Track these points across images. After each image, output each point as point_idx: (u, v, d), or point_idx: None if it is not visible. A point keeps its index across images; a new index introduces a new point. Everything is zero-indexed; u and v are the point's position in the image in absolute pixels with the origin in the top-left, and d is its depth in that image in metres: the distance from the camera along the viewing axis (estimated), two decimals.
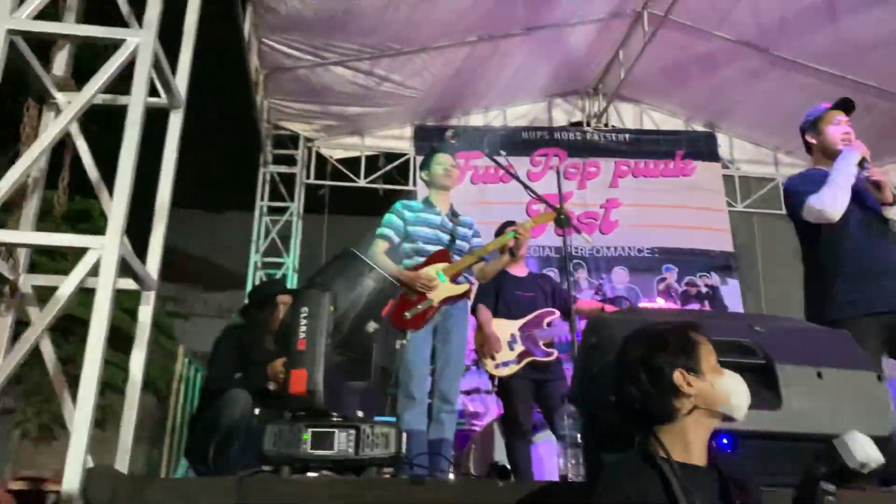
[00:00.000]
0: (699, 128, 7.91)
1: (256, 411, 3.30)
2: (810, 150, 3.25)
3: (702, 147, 7.66)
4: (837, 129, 3.12)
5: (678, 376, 1.58)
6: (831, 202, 2.87)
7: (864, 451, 1.48)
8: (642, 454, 1.56)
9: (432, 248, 3.76)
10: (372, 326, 2.30)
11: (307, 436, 1.92)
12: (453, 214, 3.92)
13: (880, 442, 2.05)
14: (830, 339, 2.20)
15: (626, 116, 7.97)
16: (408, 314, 3.55)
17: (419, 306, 3.57)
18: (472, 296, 4.34)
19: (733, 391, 1.60)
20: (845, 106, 3.18)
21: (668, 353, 1.61)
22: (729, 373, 1.63)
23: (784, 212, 7.97)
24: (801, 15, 5.95)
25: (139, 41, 2.17)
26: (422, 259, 3.73)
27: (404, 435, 1.96)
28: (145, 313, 2.27)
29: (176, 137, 2.48)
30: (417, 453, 3.39)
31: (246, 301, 4.34)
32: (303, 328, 2.11)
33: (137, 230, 2.26)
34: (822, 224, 2.93)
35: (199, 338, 3.96)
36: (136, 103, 2.16)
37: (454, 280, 3.71)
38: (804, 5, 5.85)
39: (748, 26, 6.28)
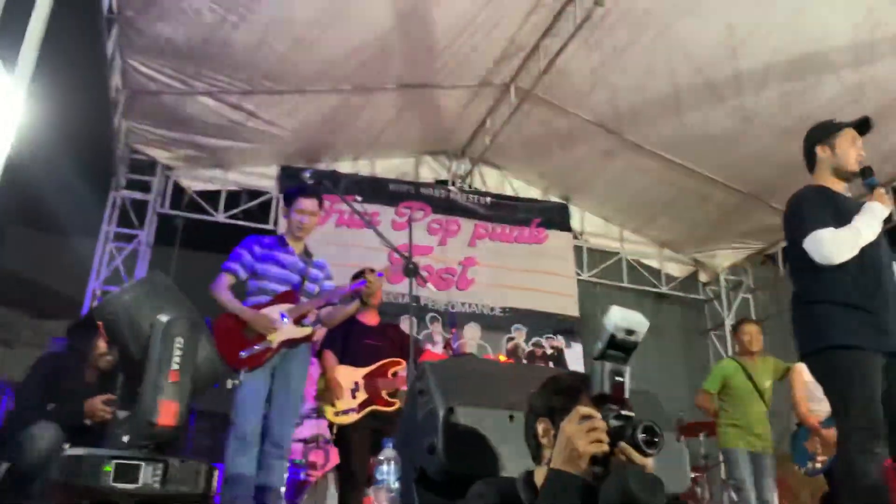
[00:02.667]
0: (555, 198, 8.36)
1: (67, 447, 3.05)
2: (813, 165, 2.99)
3: (555, 217, 8.10)
4: (855, 150, 2.89)
5: (540, 427, 1.63)
6: (846, 251, 2.67)
7: (619, 316, 1.54)
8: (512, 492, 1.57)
9: (280, 288, 3.69)
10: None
11: (109, 468, 1.81)
12: (306, 255, 3.88)
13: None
14: (637, 400, 2.35)
15: (490, 180, 8.30)
16: (244, 353, 3.45)
17: (256, 347, 3.49)
18: (320, 340, 4.30)
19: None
20: (865, 127, 2.93)
21: (540, 401, 1.65)
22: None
23: (626, 284, 8.53)
24: (652, 105, 6.49)
25: None
26: (268, 298, 3.65)
27: (216, 473, 1.88)
28: None
29: (4, 145, 2.32)
30: (242, 499, 3.26)
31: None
32: (176, 359, 2.02)
33: None
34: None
35: (24, 367, 3.63)
36: None
37: (298, 322, 3.64)
38: (654, 97, 6.38)
39: (604, 109, 6.76)
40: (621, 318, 1.52)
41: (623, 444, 1.45)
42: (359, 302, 3.87)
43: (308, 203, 3.83)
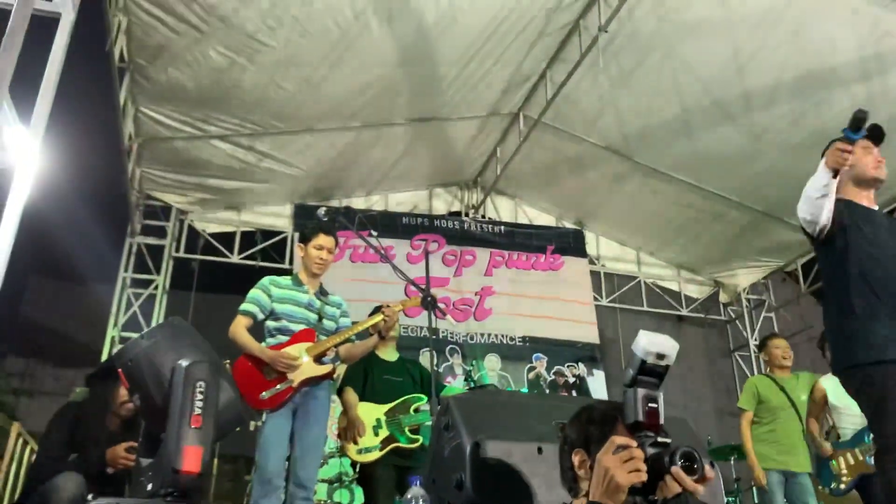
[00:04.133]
0: (569, 225, 8.34)
1: (90, 498, 3.02)
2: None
3: (571, 243, 8.07)
4: (872, 157, 2.84)
5: (576, 458, 1.60)
6: (805, 209, 2.71)
7: (647, 341, 1.51)
8: None
9: (298, 327, 3.67)
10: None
11: None
12: (322, 293, 3.87)
13: None
14: (668, 426, 2.30)
15: (503, 209, 8.30)
16: (265, 394, 3.42)
17: (278, 386, 3.46)
18: (340, 378, 4.26)
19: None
20: (876, 135, 2.84)
21: (575, 432, 1.62)
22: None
23: (646, 308, 8.44)
24: (661, 127, 6.49)
25: None
26: (286, 338, 3.64)
27: None
28: None
29: (21, 196, 2.33)
30: None
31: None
32: (199, 403, 2.00)
33: None
34: (850, 250, 2.69)
35: (46, 417, 3.62)
36: None
37: (318, 360, 3.62)
38: (663, 119, 6.39)
39: (614, 134, 6.78)
40: (650, 342, 1.49)
41: (675, 469, 1.41)
42: (377, 336, 3.84)
43: (327, 240, 3.82)
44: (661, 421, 1.49)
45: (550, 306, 7.57)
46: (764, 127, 6.10)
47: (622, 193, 7.56)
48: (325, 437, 3.74)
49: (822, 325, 2.87)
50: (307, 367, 3.55)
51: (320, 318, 3.75)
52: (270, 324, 3.68)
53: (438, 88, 6.21)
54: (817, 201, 2.69)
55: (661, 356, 1.50)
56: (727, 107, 6.00)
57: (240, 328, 3.58)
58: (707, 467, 1.43)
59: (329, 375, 3.67)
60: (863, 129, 2.59)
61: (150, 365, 2.07)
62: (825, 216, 2.71)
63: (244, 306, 3.67)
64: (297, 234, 4.04)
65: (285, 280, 3.85)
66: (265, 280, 3.80)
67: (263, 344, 3.61)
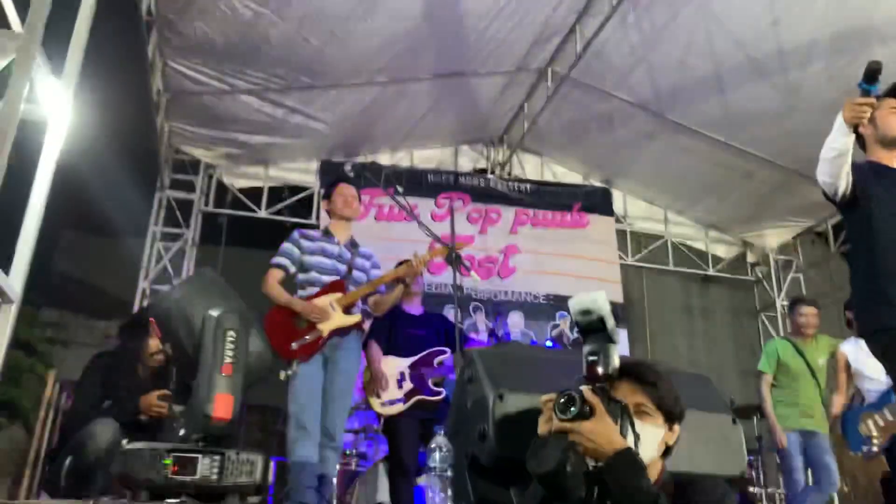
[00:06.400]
0: (596, 183, 8.26)
1: (125, 443, 3.12)
2: (863, 145, 2.87)
3: (598, 201, 8.00)
4: (894, 117, 2.76)
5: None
6: (824, 171, 2.68)
7: (571, 303, 1.59)
8: None
9: (328, 279, 3.73)
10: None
11: (169, 461, 1.85)
12: (352, 245, 3.91)
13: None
14: (691, 383, 2.31)
15: (529, 167, 8.23)
16: (295, 344, 3.50)
17: (307, 337, 3.53)
18: (366, 331, 4.32)
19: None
20: None
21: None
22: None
23: (672, 267, 8.39)
24: (693, 84, 6.35)
25: (17, 43, 2.08)
26: (316, 289, 3.69)
27: (271, 464, 1.91)
28: (3, 328, 2.13)
29: (55, 149, 2.37)
30: (307, 487, 3.29)
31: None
32: (229, 353, 2.05)
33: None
34: (874, 213, 2.64)
35: (80, 366, 3.74)
36: (9, 112, 2.05)
37: (347, 311, 3.68)
38: (696, 75, 6.25)
39: (644, 90, 6.65)
40: (573, 304, 1.59)
41: (547, 403, 1.52)
42: (402, 286, 3.87)
43: (347, 188, 3.91)
44: (605, 371, 1.55)
45: (575, 265, 7.55)
46: (798, 84, 5.94)
47: (651, 151, 7.46)
48: (353, 388, 3.81)
49: (850, 287, 2.84)
50: (337, 318, 3.63)
51: (350, 270, 3.80)
52: (301, 276, 3.75)
53: (465, 43, 6.13)
54: (835, 161, 2.64)
55: (586, 312, 1.58)
56: (761, 63, 5.85)
57: (272, 281, 3.66)
58: (595, 405, 1.46)
59: (359, 325, 3.75)
60: (878, 80, 2.52)
61: (182, 315, 2.13)
62: (844, 179, 2.66)
63: (275, 259, 3.74)
64: (322, 191, 4.10)
65: (315, 233, 3.92)
66: (295, 233, 3.86)
67: (295, 297, 3.68)
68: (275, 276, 3.69)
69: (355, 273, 3.82)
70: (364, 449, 5.28)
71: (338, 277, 3.75)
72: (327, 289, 3.70)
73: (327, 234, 3.90)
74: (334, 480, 3.83)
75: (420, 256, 3.81)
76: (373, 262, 3.95)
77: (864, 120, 2.60)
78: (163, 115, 6.25)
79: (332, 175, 6.72)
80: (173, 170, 7.15)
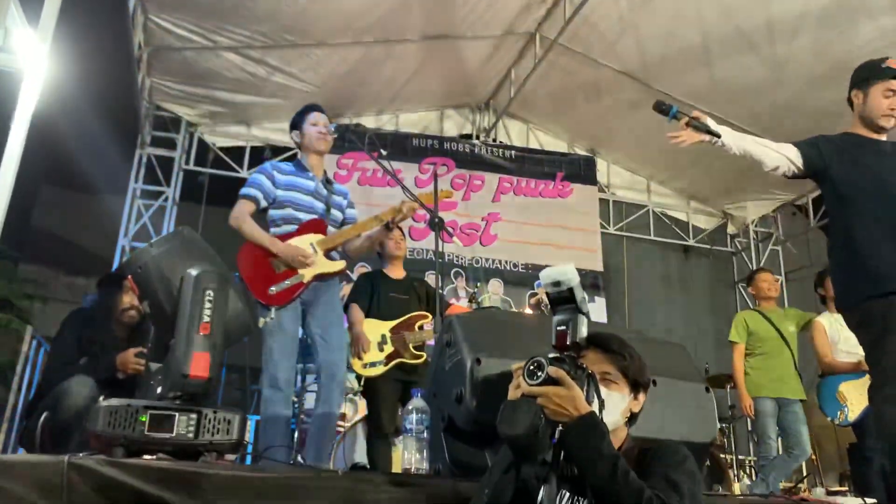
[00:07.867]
0: (581, 151, 8.25)
1: (102, 400, 3.11)
2: (852, 107, 2.87)
3: (581, 170, 8.00)
4: (886, 101, 2.74)
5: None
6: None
7: (543, 275, 1.66)
8: None
9: (305, 217, 3.44)
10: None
11: (145, 417, 1.85)
12: (327, 181, 3.63)
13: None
14: (666, 351, 2.35)
15: (514, 133, 8.20)
16: (273, 289, 3.26)
17: (286, 282, 3.29)
18: (346, 294, 4.31)
19: None
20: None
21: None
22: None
23: (653, 237, 8.45)
24: (680, 54, 6.34)
25: None
26: (292, 227, 3.41)
27: (248, 422, 1.92)
28: None
29: (31, 100, 2.33)
30: (280, 444, 3.23)
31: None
32: (207, 311, 2.04)
33: None
34: (839, 180, 2.72)
35: (58, 323, 3.69)
36: None
37: (328, 255, 3.44)
38: (683, 45, 6.23)
39: (632, 59, 6.62)
40: (544, 276, 1.65)
41: (517, 371, 1.57)
42: (384, 228, 3.56)
43: (319, 116, 3.61)
44: (574, 339, 1.61)
45: (555, 234, 7.58)
46: (786, 57, 5.94)
47: (636, 121, 7.43)
48: (344, 327, 3.63)
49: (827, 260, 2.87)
50: (320, 262, 3.39)
51: (328, 209, 3.53)
52: (274, 212, 3.44)
53: (453, 4, 6.05)
54: (755, 162, 2.86)
55: (556, 283, 1.63)
56: (749, 35, 5.84)
57: (244, 215, 3.35)
58: (558, 372, 1.50)
59: (342, 272, 3.52)
60: (667, 108, 2.78)
61: (160, 273, 2.12)
62: (778, 163, 2.83)
63: (246, 190, 3.42)
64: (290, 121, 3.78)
65: (288, 165, 3.60)
66: (266, 164, 3.57)
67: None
68: (247, 208, 3.36)
69: (332, 212, 3.54)
70: (342, 410, 5.32)
71: (316, 216, 3.46)
72: (305, 227, 3.41)
73: (300, 167, 3.55)
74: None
75: (409, 203, 3.53)
76: (348, 200, 3.69)
77: (685, 143, 2.77)
78: (144, 70, 6.13)
79: None
80: (154, 127, 7.03)
